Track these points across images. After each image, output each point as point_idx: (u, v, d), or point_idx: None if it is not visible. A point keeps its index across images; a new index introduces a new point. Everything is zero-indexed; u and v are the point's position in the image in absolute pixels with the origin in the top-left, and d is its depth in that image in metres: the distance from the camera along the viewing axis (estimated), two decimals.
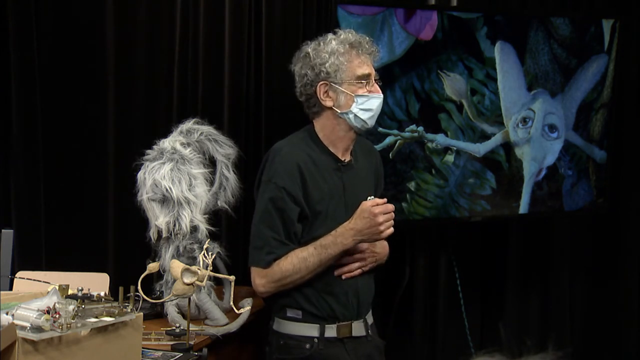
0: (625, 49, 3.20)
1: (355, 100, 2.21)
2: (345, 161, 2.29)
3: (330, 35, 2.26)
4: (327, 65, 2.21)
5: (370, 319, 2.35)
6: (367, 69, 2.23)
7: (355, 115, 2.23)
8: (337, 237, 2.18)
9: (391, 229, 2.22)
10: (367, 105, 2.23)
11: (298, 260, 2.19)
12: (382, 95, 2.26)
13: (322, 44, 2.24)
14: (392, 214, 2.21)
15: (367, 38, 2.27)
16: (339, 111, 2.23)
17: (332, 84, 2.22)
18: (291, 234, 2.21)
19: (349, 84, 2.22)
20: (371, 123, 2.27)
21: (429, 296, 3.26)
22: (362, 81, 2.22)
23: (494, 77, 2.96)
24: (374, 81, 2.25)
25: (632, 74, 3.36)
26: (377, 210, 2.17)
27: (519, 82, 3.01)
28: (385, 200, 2.22)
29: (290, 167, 2.22)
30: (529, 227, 3.37)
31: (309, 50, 2.25)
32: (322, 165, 2.26)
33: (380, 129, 2.80)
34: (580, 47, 3.09)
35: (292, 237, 2.21)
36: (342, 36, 2.25)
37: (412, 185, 2.90)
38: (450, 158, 2.94)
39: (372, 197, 2.29)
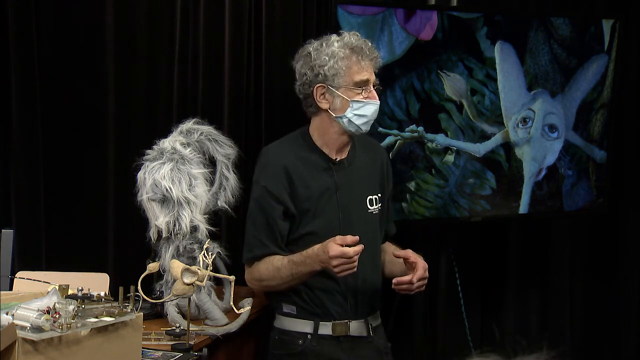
0: (625, 49, 3.19)
1: (350, 105, 2.20)
2: (337, 160, 2.28)
3: (333, 37, 2.25)
4: (326, 68, 2.20)
5: (375, 320, 2.35)
6: (365, 75, 2.21)
7: (350, 120, 2.22)
8: (307, 258, 2.15)
9: (345, 273, 2.08)
10: (362, 111, 2.21)
11: (273, 269, 2.21)
12: (378, 102, 2.23)
13: (324, 44, 2.23)
14: (353, 259, 2.04)
15: (370, 44, 2.24)
16: (334, 115, 2.23)
17: (329, 87, 2.21)
18: (275, 233, 2.23)
19: (346, 88, 2.21)
20: (365, 128, 2.26)
21: (429, 296, 3.26)
22: (360, 87, 2.21)
23: (494, 77, 2.96)
24: (372, 87, 2.22)
25: (632, 74, 3.35)
26: (332, 254, 2.04)
27: (519, 82, 3.01)
28: (354, 239, 2.05)
29: (274, 167, 2.25)
30: (529, 227, 3.37)
31: (311, 49, 2.24)
32: (312, 165, 2.26)
33: (380, 129, 2.79)
34: (580, 47, 3.08)
35: (276, 237, 2.23)
36: (345, 39, 2.22)
37: (412, 185, 2.90)
38: (450, 158, 2.94)
39: (376, 196, 2.29)
